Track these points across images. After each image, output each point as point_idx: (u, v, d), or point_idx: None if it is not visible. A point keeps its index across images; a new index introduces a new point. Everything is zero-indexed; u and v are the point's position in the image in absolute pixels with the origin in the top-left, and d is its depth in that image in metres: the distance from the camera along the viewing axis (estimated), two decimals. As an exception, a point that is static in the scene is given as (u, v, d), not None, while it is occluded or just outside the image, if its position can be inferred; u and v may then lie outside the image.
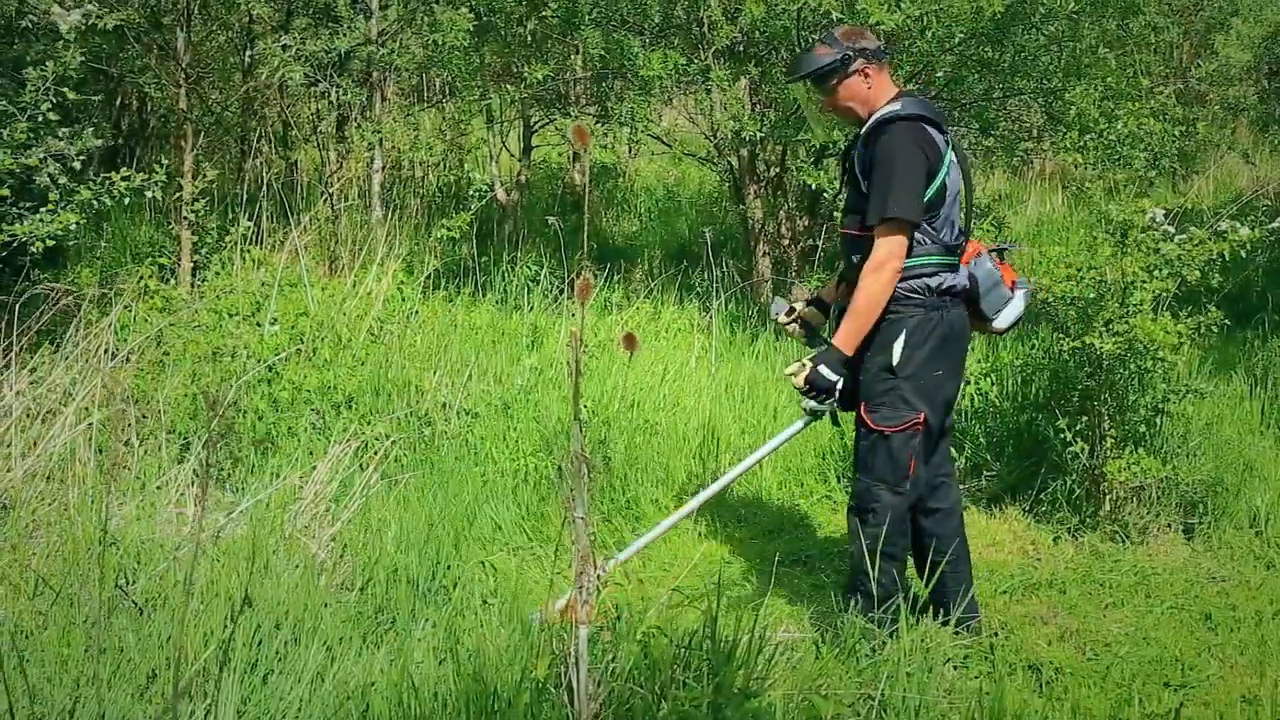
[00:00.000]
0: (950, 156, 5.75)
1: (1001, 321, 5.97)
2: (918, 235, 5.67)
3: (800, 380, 5.78)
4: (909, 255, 5.66)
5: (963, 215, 5.90)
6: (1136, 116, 8.51)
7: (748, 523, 7.71)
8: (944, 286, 5.74)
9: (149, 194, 8.53)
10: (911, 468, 5.83)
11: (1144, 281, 7.18)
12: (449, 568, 6.82)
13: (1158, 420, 7.76)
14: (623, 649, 4.64)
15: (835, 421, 6.31)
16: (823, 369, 5.75)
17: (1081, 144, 8.86)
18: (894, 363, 5.74)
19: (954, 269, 5.78)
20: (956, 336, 5.84)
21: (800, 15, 10.22)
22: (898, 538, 5.91)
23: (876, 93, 5.88)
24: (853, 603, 5.93)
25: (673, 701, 4.38)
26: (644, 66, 10.84)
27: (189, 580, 3.69)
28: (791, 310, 6.50)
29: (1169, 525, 7.46)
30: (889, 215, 5.58)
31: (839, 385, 5.79)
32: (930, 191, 5.65)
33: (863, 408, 5.89)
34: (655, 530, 6.42)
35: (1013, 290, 5.95)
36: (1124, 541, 7.32)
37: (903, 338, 5.73)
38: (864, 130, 5.84)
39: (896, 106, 5.75)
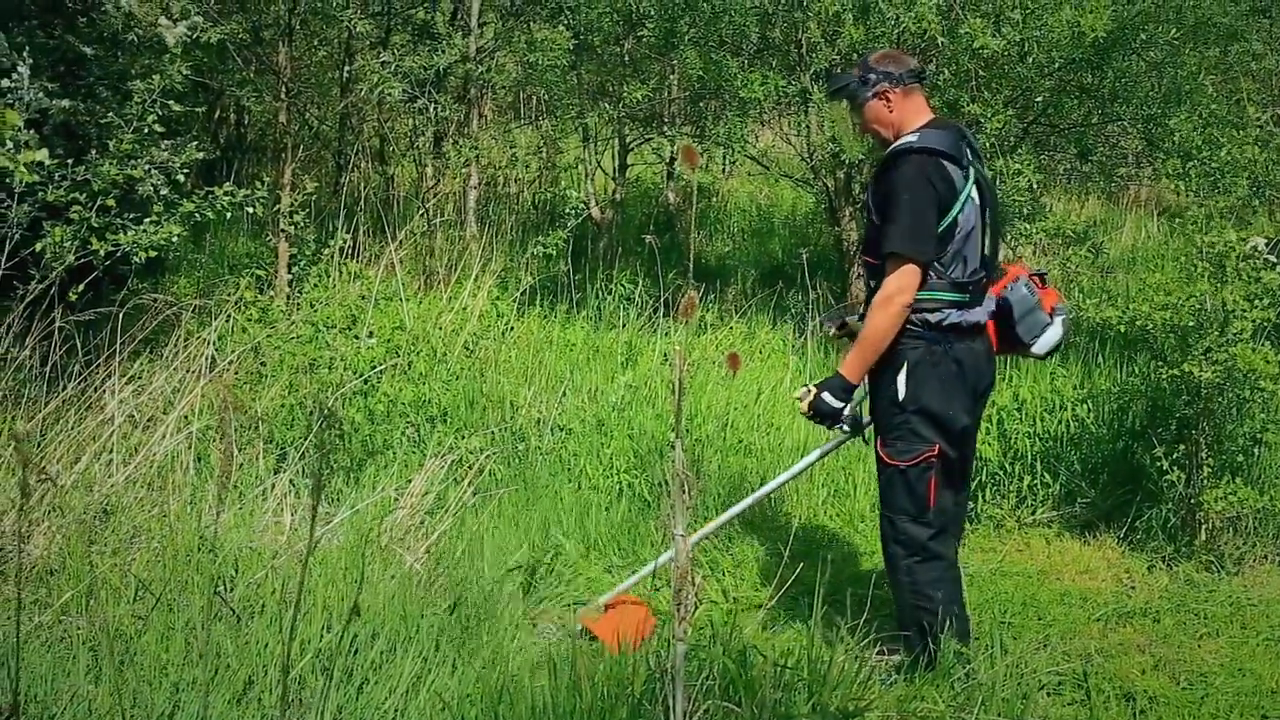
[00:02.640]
0: (968, 192, 5.65)
1: (1040, 347, 5.91)
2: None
3: (805, 406, 5.80)
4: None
5: (984, 251, 5.78)
6: (1239, 144, 8.43)
7: (842, 543, 7.70)
8: (947, 322, 5.66)
9: (250, 209, 8.60)
10: (931, 498, 5.79)
11: (1244, 310, 7.11)
12: (543, 582, 6.86)
13: (1256, 450, 7.69)
14: (719, 666, 4.64)
15: (868, 440, 6.28)
16: (826, 395, 5.76)
17: (1183, 171, 8.79)
18: (900, 397, 5.72)
19: (962, 305, 5.69)
20: (966, 370, 5.75)
21: (900, 37, 10.21)
22: (932, 570, 5.85)
23: (900, 117, 5.84)
24: (906, 638, 5.90)
25: (770, 720, 4.38)
26: (743, 87, 10.85)
27: (299, 589, 3.70)
28: (843, 325, 6.43)
29: (1265, 556, 7.39)
30: (895, 250, 5.56)
31: (844, 412, 5.80)
32: (940, 227, 5.60)
33: (878, 444, 5.87)
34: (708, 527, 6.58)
35: (1051, 316, 5.89)
36: (1219, 571, 7.25)
37: (904, 371, 5.71)
38: (882, 159, 5.83)
39: (913, 138, 5.70)
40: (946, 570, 5.87)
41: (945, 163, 5.60)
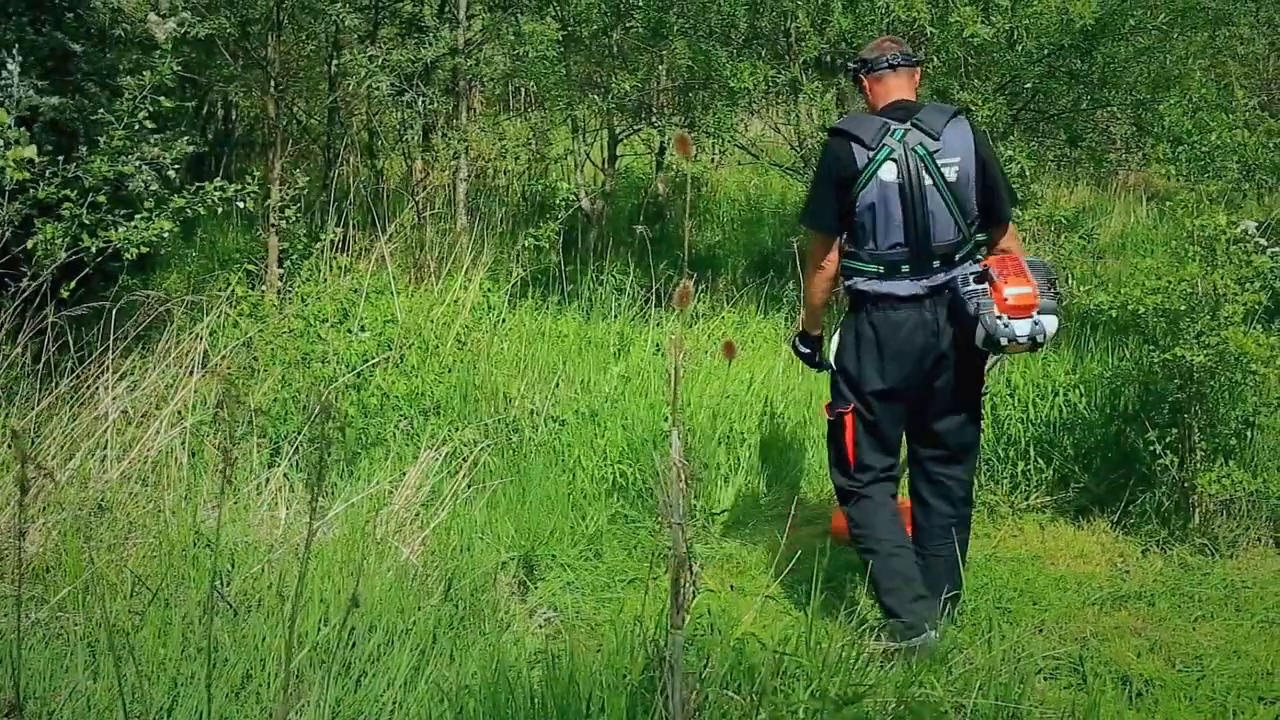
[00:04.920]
0: (874, 172, 5.95)
1: (976, 340, 6.01)
2: (847, 243, 6.11)
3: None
4: (843, 259, 6.15)
5: (911, 228, 5.97)
6: (1228, 128, 8.45)
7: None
8: (856, 289, 6.10)
9: (241, 204, 8.61)
10: (851, 454, 6.25)
11: (1235, 294, 7.12)
12: (538, 572, 6.88)
13: (1248, 433, 7.69)
14: (718, 654, 4.65)
15: None
16: (795, 341, 6.70)
17: (1173, 156, 8.80)
18: (832, 356, 6.38)
19: (875, 276, 6.04)
20: (883, 337, 6.06)
21: (890, 26, 10.20)
22: (863, 510, 6.26)
23: (874, 101, 6.26)
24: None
25: (769, 708, 4.38)
26: (732, 77, 10.85)
27: (299, 582, 3.71)
28: None
29: (1259, 538, 7.39)
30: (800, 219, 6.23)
31: (814, 358, 6.63)
32: (843, 204, 6.01)
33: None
34: None
35: (975, 314, 5.95)
36: (1213, 554, 7.25)
37: (836, 334, 6.36)
38: None
39: (840, 120, 6.31)
40: (879, 509, 6.24)
41: (852, 144, 5.98)
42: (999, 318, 5.83)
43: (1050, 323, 5.91)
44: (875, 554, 6.09)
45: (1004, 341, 5.86)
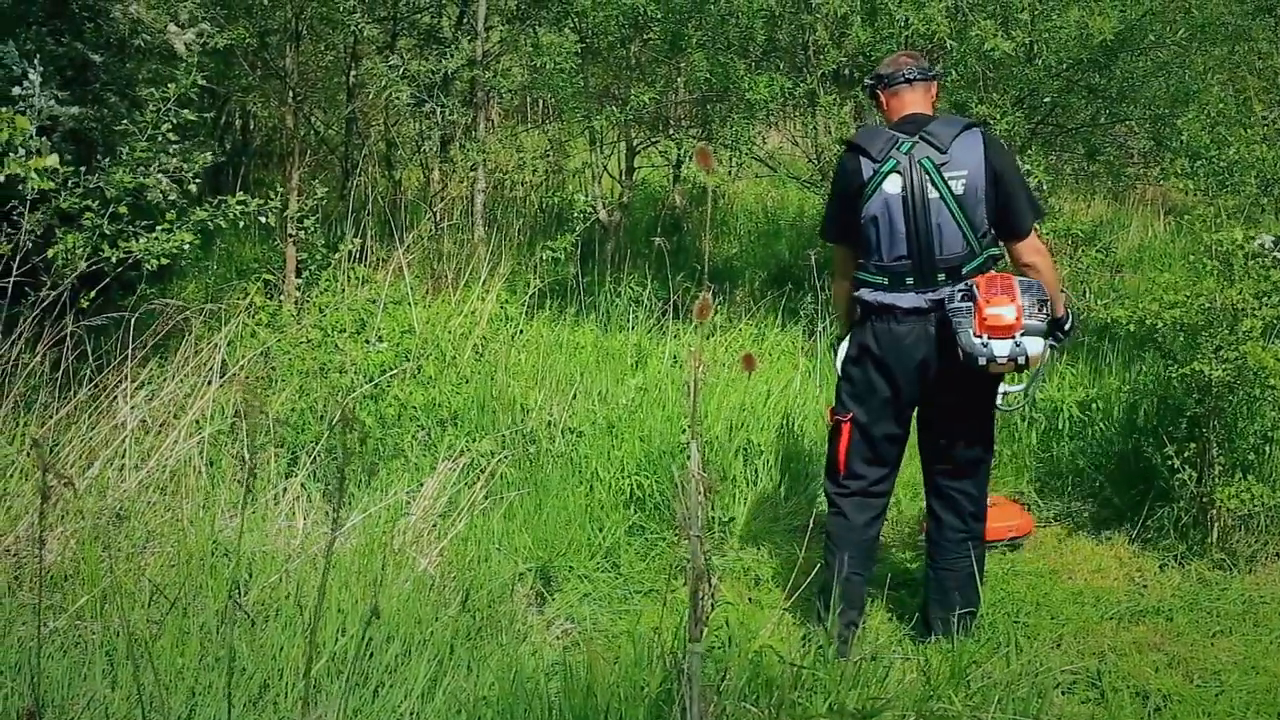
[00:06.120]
0: (879, 184, 6.01)
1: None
2: (858, 254, 6.17)
3: None
4: (855, 270, 6.22)
5: (914, 240, 5.99)
6: (1247, 143, 8.43)
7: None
8: (862, 299, 6.14)
9: (263, 218, 8.62)
10: (841, 460, 6.32)
11: (1254, 309, 7.11)
12: (555, 583, 6.88)
13: (1267, 448, 7.67)
14: (735, 666, 4.65)
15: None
16: (833, 343, 6.82)
17: (1191, 170, 8.78)
18: (838, 363, 6.48)
19: (878, 287, 6.09)
20: (883, 348, 6.10)
21: (909, 40, 10.20)
22: (834, 524, 6.39)
23: (889, 116, 6.32)
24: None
25: (787, 720, 4.38)
26: (749, 89, 10.85)
27: (320, 592, 3.72)
28: None
29: (1277, 554, 7.37)
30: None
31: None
32: (853, 215, 6.07)
33: None
34: None
35: (954, 331, 5.93)
36: (1231, 569, 7.24)
37: (846, 341, 6.41)
38: None
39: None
40: (847, 531, 6.30)
41: (860, 157, 6.06)
42: (978, 337, 5.80)
43: (1034, 345, 5.81)
44: (833, 571, 6.14)
45: (983, 361, 5.80)
